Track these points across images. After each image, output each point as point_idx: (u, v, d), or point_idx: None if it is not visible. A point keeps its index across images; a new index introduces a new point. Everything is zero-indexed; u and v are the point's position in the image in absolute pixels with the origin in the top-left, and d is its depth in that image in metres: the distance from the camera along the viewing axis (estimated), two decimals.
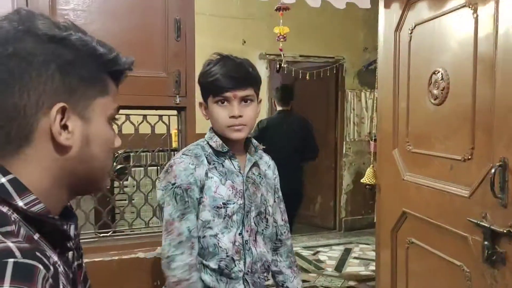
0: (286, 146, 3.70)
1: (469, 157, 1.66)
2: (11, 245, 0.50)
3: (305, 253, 4.64)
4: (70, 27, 0.62)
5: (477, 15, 1.62)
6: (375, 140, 3.02)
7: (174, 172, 1.24)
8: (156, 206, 2.13)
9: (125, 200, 2.21)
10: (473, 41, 1.64)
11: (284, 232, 1.44)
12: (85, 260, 1.08)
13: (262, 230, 1.34)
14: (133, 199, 2.18)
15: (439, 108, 1.84)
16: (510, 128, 1.45)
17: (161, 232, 1.61)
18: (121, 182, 2.20)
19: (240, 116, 1.25)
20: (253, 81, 1.29)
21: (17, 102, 0.58)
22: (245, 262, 1.28)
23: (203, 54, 4.55)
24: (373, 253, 3.86)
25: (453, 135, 1.77)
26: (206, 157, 1.29)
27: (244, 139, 1.33)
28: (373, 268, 3.51)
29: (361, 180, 4.19)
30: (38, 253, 0.52)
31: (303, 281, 3.88)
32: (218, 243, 1.24)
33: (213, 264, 1.25)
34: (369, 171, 3.94)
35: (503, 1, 1.49)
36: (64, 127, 0.60)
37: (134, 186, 2.18)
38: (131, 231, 2.14)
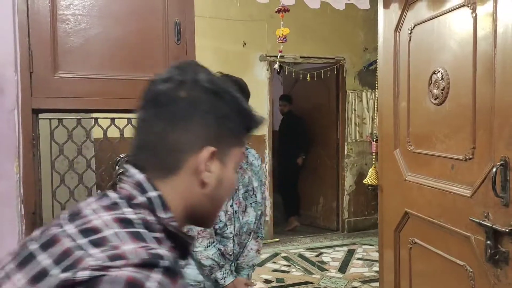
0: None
1: (470, 156, 1.66)
2: (166, 252, 0.60)
3: (308, 254, 4.64)
4: (225, 80, 0.75)
5: (476, 15, 1.62)
6: (376, 140, 3.02)
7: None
8: None
9: None
10: (472, 40, 1.64)
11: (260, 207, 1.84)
12: None
13: (251, 203, 1.78)
14: None
15: (440, 108, 1.84)
16: (511, 127, 1.45)
17: None
18: None
19: None
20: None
21: (176, 138, 0.69)
22: (234, 227, 1.70)
23: (204, 57, 4.59)
24: (377, 254, 3.85)
25: (454, 134, 1.77)
26: None
27: None
28: (377, 268, 3.50)
29: (364, 181, 4.19)
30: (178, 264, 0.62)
31: (307, 282, 3.88)
32: None
33: None
34: (371, 172, 3.94)
35: (501, 0, 1.49)
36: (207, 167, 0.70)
37: None
38: None
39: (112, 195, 0.69)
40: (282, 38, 3.03)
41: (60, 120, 2.00)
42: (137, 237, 0.61)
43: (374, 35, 2.45)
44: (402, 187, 2.14)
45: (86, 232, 0.62)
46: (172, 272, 0.57)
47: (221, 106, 0.71)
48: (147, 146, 0.71)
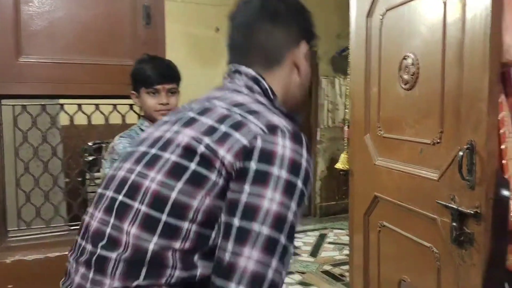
0: None
1: (438, 140, 1.69)
2: (285, 123, 0.78)
3: None
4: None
5: (445, 0, 1.64)
6: (348, 126, 3.05)
7: (116, 151, 1.57)
8: None
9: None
10: (442, 26, 1.66)
11: None
12: (55, 254, 1.07)
13: None
14: None
15: (410, 93, 1.86)
16: (477, 112, 1.48)
17: None
18: (92, 173, 2.16)
19: (167, 104, 1.62)
20: (177, 77, 1.67)
21: (282, 36, 0.92)
22: None
23: (174, 42, 4.48)
24: (347, 238, 3.93)
25: (423, 119, 1.79)
26: None
27: None
28: (347, 252, 3.57)
29: (335, 166, 4.25)
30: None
31: None
32: None
33: None
34: (343, 157, 3.99)
35: None
36: None
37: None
38: None
39: (231, 86, 0.89)
40: None
41: (23, 106, 1.93)
42: (275, 114, 0.81)
43: (347, 21, 2.45)
44: (372, 172, 2.16)
45: (237, 105, 0.81)
46: (298, 135, 0.77)
47: (307, 19, 0.98)
48: (256, 45, 0.92)
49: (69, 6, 1.90)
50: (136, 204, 0.75)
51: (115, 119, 2.07)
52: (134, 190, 0.76)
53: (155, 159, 0.77)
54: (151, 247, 0.71)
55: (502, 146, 1.49)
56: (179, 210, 0.72)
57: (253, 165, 0.72)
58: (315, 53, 5.51)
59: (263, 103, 0.85)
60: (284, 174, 0.71)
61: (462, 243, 1.55)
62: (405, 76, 1.87)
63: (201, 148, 0.74)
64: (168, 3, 2.14)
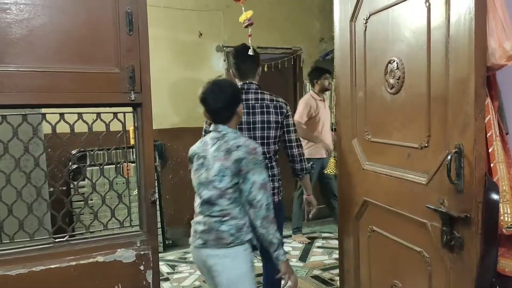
0: None
1: (426, 144, 1.69)
2: None
3: None
4: None
5: (429, 4, 1.64)
6: (335, 130, 3.04)
7: (260, 152, 1.90)
8: (114, 207, 2.05)
9: (82, 201, 2.12)
10: (426, 30, 1.66)
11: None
12: (40, 268, 1.03)
13: None
14: (91, 199, 2.09)
15: (396, 97, 1.86)
16: (464, 115, 1.48)
17: (120, 233, 1.74)
18: (76, 183, 2.11)
19: None
20: None
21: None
22: None
23: (158, 48, 4.44)
24: (336, 242, 3.91)
25: (409, 123, 1.79)
26: None
27: None
28: (337, 256, 3.55)
29: (324, 171, 4.24)
30: None
31: None
32: None
33: None
34: (331, 161, 3.98)
35: None
36: None
37: (90, 187, 2.09)
38: (90, 234, 2.06)
39: (256, 90, 2.52)
40: (248, 20, 2.97)
41: (4, 117, 1.88)
42: None
43: (330, 24, 2.46)
44: (360, 176, 2.16)
45: (273, 98, 2.57)
46: None
47: None
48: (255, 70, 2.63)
49: (49, 14, 1.86)
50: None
51: (99, 126, 2.03)
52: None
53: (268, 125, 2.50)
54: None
55: (490, 149, 1.49)
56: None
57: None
58: (299, 57, 5.53)
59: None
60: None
61: (453, 247, 1.55)
62: (391, 80, 1.87)
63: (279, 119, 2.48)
64: (151, 8, 2.11)
